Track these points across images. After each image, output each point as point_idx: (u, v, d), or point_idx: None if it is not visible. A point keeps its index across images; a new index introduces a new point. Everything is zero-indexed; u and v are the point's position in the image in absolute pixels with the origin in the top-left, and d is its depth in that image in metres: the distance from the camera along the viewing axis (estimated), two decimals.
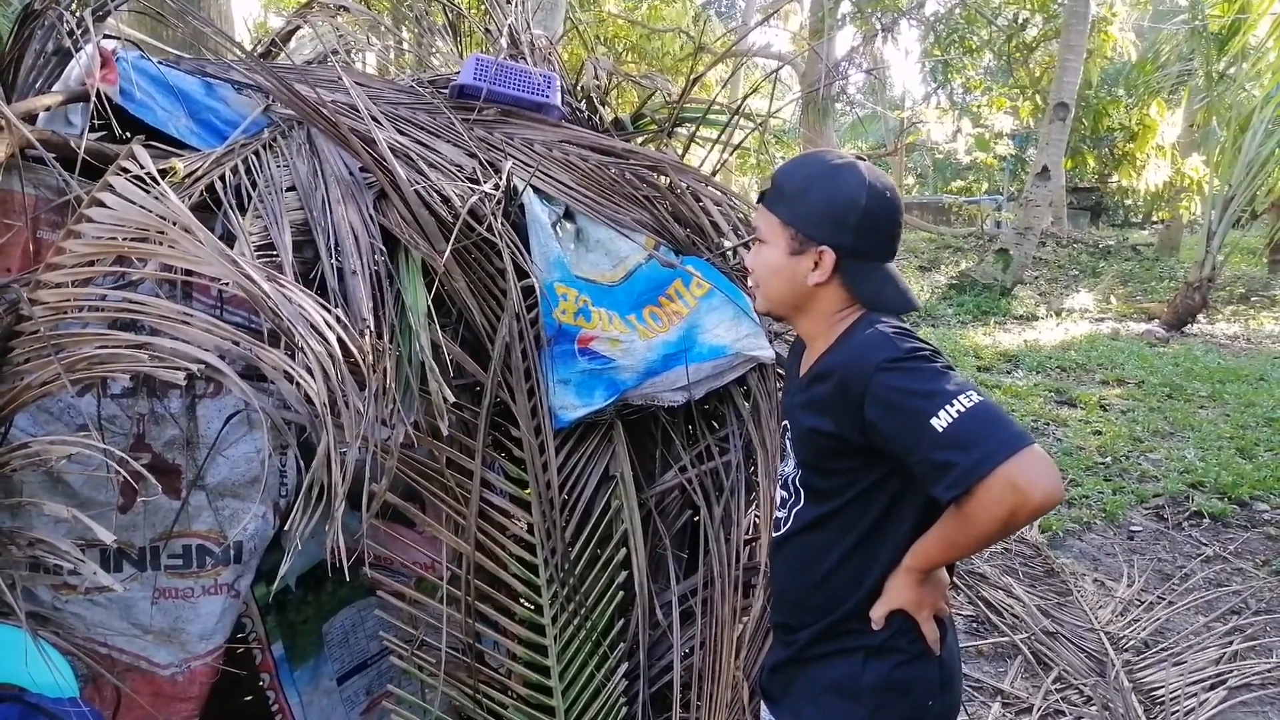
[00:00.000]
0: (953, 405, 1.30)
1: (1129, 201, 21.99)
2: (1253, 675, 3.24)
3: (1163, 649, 3.39)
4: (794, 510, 1.60)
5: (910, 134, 21.25)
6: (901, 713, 1.52)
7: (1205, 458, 5.36)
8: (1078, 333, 9.70)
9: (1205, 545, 4.31)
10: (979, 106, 19.35)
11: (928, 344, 1.45)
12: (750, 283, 1.64)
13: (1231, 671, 3.25)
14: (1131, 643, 3.42)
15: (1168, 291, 11.99)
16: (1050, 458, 1.31)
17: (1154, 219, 20.69)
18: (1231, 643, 3.44)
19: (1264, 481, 4.95)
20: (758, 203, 1.60)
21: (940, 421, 1.30)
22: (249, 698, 2.74)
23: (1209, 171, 12.77)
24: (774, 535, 1.69)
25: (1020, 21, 15.31)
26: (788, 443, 1.64)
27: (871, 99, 22.55)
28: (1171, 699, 3.05)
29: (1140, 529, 4.52)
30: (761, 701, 1.76)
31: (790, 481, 1.62)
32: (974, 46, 16.38)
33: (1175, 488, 4.90)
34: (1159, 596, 3.80)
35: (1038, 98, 16.07)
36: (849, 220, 1.46)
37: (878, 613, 1.51)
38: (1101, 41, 14.68)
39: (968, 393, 1.32)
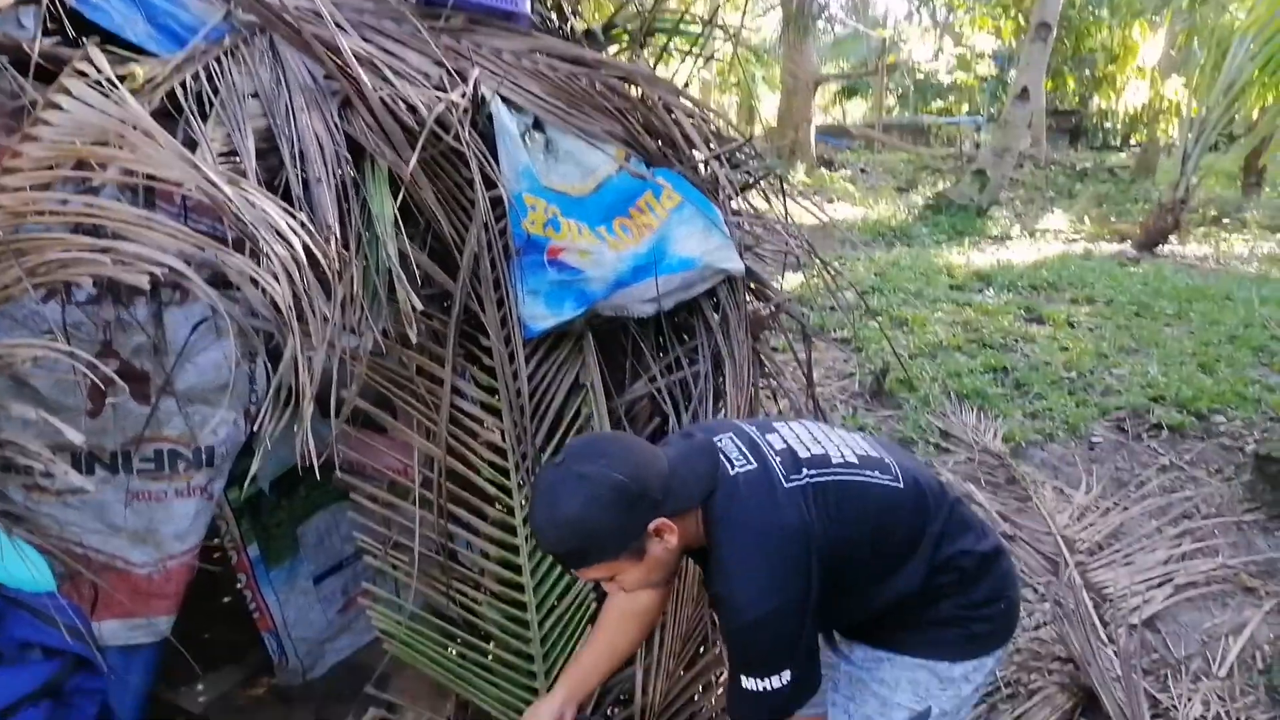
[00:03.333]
0: (763, 681, 1.49)
1: (1108, 124, 21.92)
2: (1198, 574, 3.38)
3: (1115, 551, 3.53)
4: None
5: (891, 53, 20.97)
6: (985, 621, 1.65)
7: (1168, 373, 5.48)
8: (1050, 253, 9.77)
9: (1162, 455, 4.45)
10: (961, 25, 19.08)
11: (798, 577, 1.48)
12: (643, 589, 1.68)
13: (1178, 571, 3.39)
14: (1086, 545, 3.55)
15: (1142, 213, 12.06)
16: None
17: (1132, 142, 20.65)
18: (1180, 545, 3.58)
19: (1223, 395, 5.08)
20: (576, 571, 1.59)
21: (748, 682, 1.50)
22: (227, 599, 2.83)
23: (1188, 94, 12.72)
24: None
25: None
26: None
27: (853, 17, 22.16)
28: (1119, 596, 3.19)
29: (1101, 440, 4.64)
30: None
31: None
32: None
33: (1137, 401, 5.02)
34: (1115, 502, 3.94)
35: (1020, 17, 15.84)
36: (631, 496, 1.44)
37: None
38: None
39: (781, 674, 1.48)
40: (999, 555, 1.67)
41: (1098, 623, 3.00)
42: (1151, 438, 4.66)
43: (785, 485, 1.51)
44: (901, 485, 1.61)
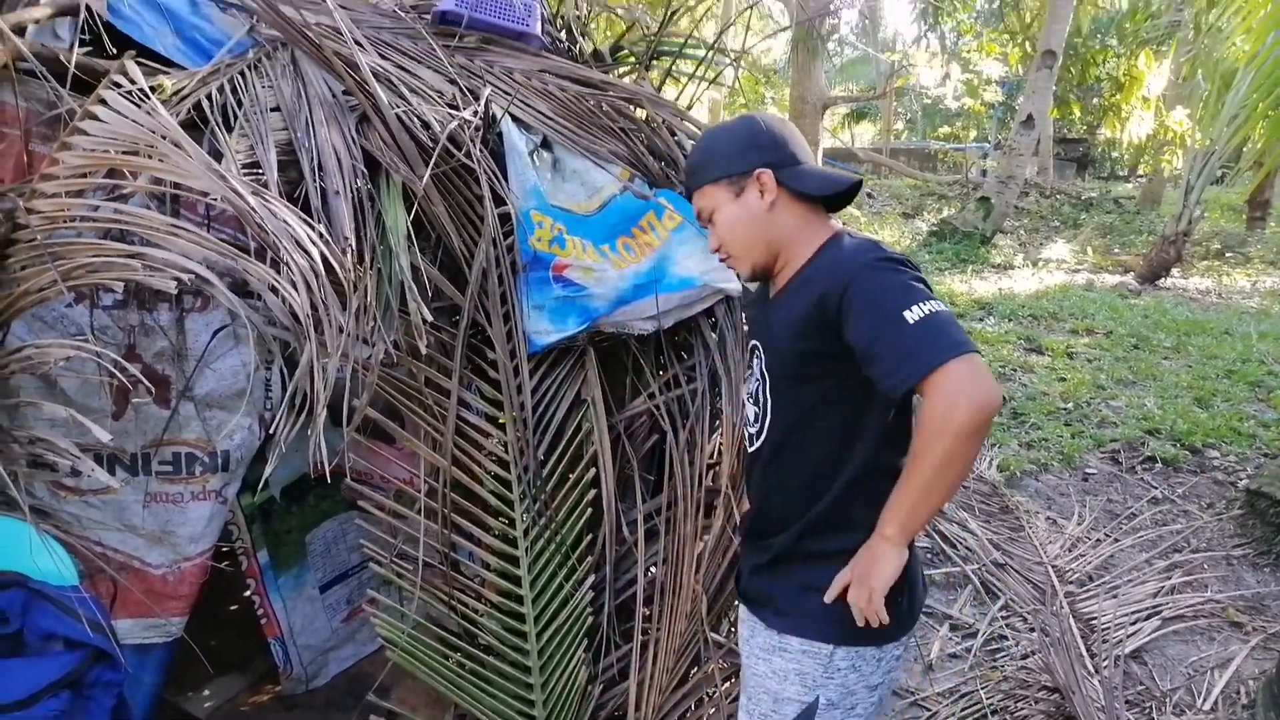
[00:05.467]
0: (925, 304, 1.42)
1: (1115, 154, 22.05)
2: (1186, 608, 3.42)
3: (1104, 582, 3.57)
4: (767, 423, 1.71)
5: (900, 77, 21.11)
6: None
7: (1164, 406, 5.53)
8: (1052, 283, 9.84)
9: (1155, 488, 4.49)
10: (969, 52, 19.24)
11: (904, 256, 1.56)
12: (723, 257, 1.74)
13: (1167, 604, 3.43)
14: (1076, 576, 3.60)
15: (1145, 245, 12.14)
16: (988, 368, 1.42)
17: (1139, 172, 20.77)
18: (1170, 578, 3.63)
19: (1217, 430, 5.13)
20: (688, 196, 1.74)
21: (912, 315, 1.41)
22: (234, 607, 2.88)
23: (1192, 125, 12.82)
24: (749, 450, 1.80)
25: None
26: (755, 362, 1.74)
27: (863, 40, 22.33)
28: (1106, 627, 3.23)
29: (1095, 471, 4.69)
30: (741, 604, 1.87)
31: (760, 396, 1.73)
32: None
33: (1132, 434, 5.07)
34: (1106, 534, 3.98)
35: (1027, 45, 15.98)
36: (761, 141, 1.63)
37: (830, 595, 1.60)
38: None
39: (934, 300, 1.44)
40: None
41: (1084, 653, 3.04)
42: (1145, 470, 4.71)
43: None
44: None
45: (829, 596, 1.61)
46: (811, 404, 1.62)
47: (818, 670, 1.66)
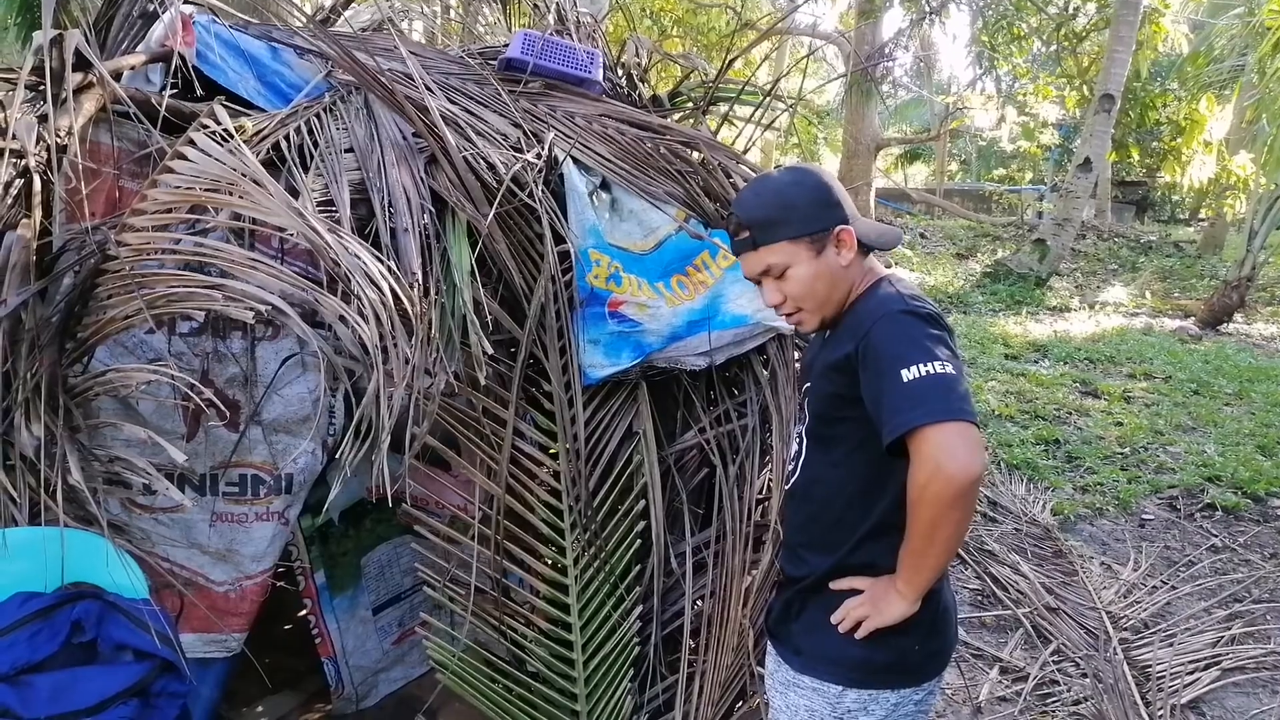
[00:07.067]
0: (927, 364, 1.44)
1: (1175, 197, 21.66)
2: (1247, 659, 3.33)
3: (1160, 630, 3.49)
4: (802, 460, 1.75)
5: (954, 120, 21.05)
6: (891, 652, 1.66)
7: (1225, 453, 5.41)
8: (1109, 326, 9.68)
9: (1215, 536, 4.39)
10: (1025, 95, 19.13)
11: (934, 308, 1.59)
12: (787, 312, 1.72)
13: (1227, 654, 3.35)
14: (1131, 622, 3.53)
15: (1206, 290, 11.89)
16: (980, 439, 1.42)
17: (1200, 216, 20.37)
18: (1230, 627, 3.54)
19: None
20: (746, 251, 1.68)
21: (909, 373, 1.44)
22: (287, 627, 2.96)
23: (1256, 170, 12.59)
24: (785, 487, 1.84)
25: (1070, 10, 15.09)
26: (805, 399, 1.78)
27: (917, 82, 22.34)
28: (1163, 676, 3.16)
29: (1152, 517, 4.60)
30: (768, 643, 1.90)
31: (801, 434, 1.77)
32: (1022, 34, 16.15)
33: (1191, 480, 4.96)
34: (1163, 581, 3.90)
35: (1084, 88, 15.86)
36: (832, 199, 1.65)
37: (839, 584, 1.66)
38: (1152, 34, 14.44)
39: (941, 361, 1.46)
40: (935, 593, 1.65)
41: (1139, 701, 2.98)
42: (1204, 518, 4.61)
43: None
44: None
45: (835, 585, 1.66)
46: (841, 445, 1.66)
47: (826, 709, 1.69)
